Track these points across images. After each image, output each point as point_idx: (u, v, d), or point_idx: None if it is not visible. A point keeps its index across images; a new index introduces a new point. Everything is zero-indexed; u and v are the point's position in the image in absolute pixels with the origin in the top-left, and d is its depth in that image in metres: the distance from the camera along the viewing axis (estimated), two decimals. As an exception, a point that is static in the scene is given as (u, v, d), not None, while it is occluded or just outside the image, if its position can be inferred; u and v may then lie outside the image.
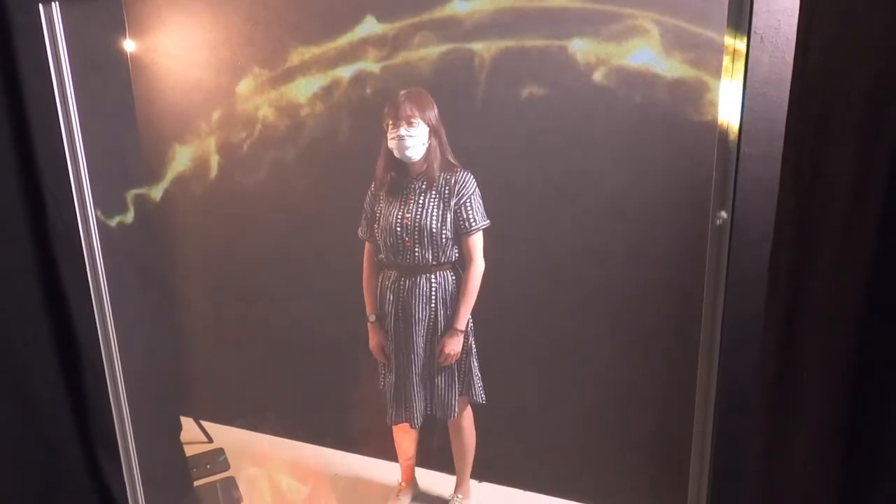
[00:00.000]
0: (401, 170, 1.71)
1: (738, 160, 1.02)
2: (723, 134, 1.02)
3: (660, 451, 1.80)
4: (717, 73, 1.07)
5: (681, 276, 1.64)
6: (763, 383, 1.10)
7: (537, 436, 1.99)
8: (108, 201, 1.72)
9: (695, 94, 1.55)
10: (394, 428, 1.95)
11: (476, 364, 1.80)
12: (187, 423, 2.40)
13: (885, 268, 0.92)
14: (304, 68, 2.00)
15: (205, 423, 2.47)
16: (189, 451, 2.28)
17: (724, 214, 1.07)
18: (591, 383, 1.87)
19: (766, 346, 1.09)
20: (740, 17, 0.97)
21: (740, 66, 0.99)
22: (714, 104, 1.07)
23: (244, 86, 2.11)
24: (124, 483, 1.82)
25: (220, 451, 2.34)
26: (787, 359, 1.07)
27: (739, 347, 1.20)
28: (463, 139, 1.74)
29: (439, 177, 1.68)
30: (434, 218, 1.67)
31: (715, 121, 1.06)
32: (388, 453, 2.14)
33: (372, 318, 1.84)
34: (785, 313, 1.08)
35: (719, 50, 1.05)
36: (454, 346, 1.73)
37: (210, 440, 2.43)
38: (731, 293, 1.14)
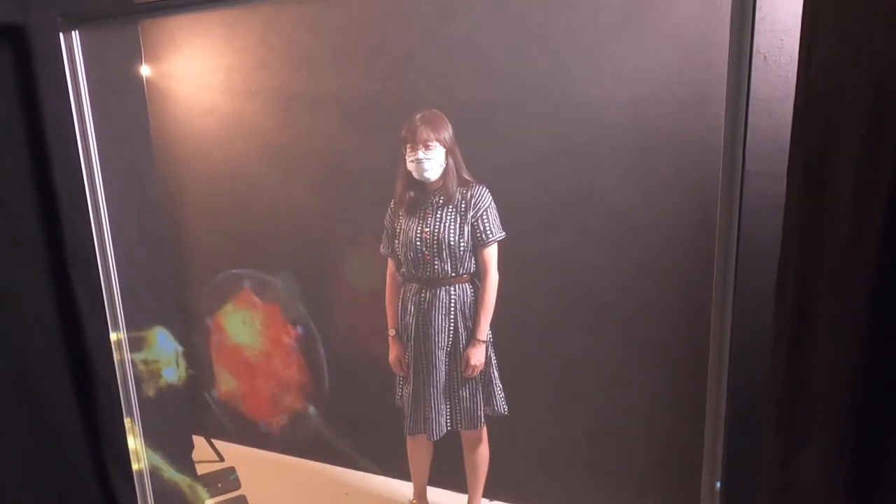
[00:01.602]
0: (419, 188, 1.76)
1: (743, 177, 1.03)
2: (727, 151, 1.04)
3: (671, 465, 1.79)
4: (721, 92, 1.09)
5: (689, 291, 1.64)
6: (772, 396, 1.11)
7: (548, 452, 1.99)
8: (124, 222, 1.75)
9: (700, 113, 1.58)
10: (409, 442, 1.96)
11: (497, 374, 1.83)
12: (198, 442, 2.42)
13: (892, 281, 0.93)
14: (316, 90, 2.04)
15: (216, 442, 2.48)
16: (200, 469, 2.29)
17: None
18: (601, 398, 1.87)
19: (775, 360, 1.10)
20: (742, 36, 1.00)
21: (744, 84, 1.01)
22: (719, 122, 1.09)
23: (257, 107, 2.15)
24: (136, 499, 1.83)
25: (232, 470, 2.35)
26: (795, 372, 1.07)
27: (748, 362, 1.21)
28: (474, 158, 1.78)
29: (456, 192, 1.72)
30: (452, 231, 1.72)
31: (720, 139, 1.08)
32: (400, 472, 2.14)
33: (392, 331, 1.87)
34: (793, 327, 1.08)
35: (723, 69, 1.07)
36: (478, 356, 1.77)
37: (221, 459, 2.44)
38: (738, 308, 1.15)
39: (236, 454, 2.46)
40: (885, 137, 0.90)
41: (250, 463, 2.41)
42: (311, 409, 2.21)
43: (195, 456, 2.31)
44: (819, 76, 1.01)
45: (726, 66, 1.04)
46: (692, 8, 1.57)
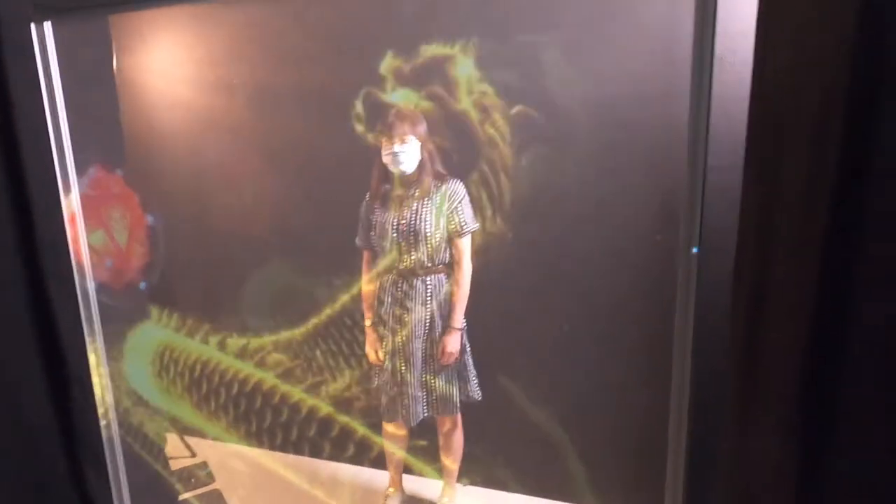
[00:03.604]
0: (395, 181, 1.80)
1: (705, 171, 1.12)
2: (691, 148, 1.13)
3: (638, 447, 1.89)
4: (682, 89, 1.17)
5: (655, 281, 1.74)
6: (731, 373, 1.20)
7: (518, 438, 2.06)
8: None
9: (662, 109, 1.67)
10: (385, 430, 2.01)
11: (470, 361, 1.89)
12: (170, 438, 2.40)
13: (838, 265, 1.03)
14: (295, 84, 2.05)
15: (188, 438, 2.46)
16: (173, 465, 2.28)
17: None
18: (571, 385, 1.95)
19: (734, 341, 1.20)
20: (703, 41, 1.08)
21: (706, 85, 1.09)
22: (681, 119, 1.17)
23: (233, 101, 2.15)
24: (111, 498, 1.82)
25: (204, 465, 2.35)
26: (751, 350, 1.17)
27: (709, 344, 1.30)
28: (448, 151, 1.83)
29: (431, 185, 1.77)
30: (428, 223, 1.77)
31: (681, 134, 1.17)
32: (376, 462, 2.18)
33: (368, 322, 1.91)
34: (749, 309, 1.18)
35: (685, 68, 1.16)
36: (454, 343, 1.82)
37: (193, 454, 2.42)
38: (700, 296, 1.24)
39: (208, 449, 2.45)
40: (831, 134, 1.00)
41: (223, 457, 2.41)
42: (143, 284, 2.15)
43: (167, 452, 2.30)
44: (773, 78, 1.11)
45: (688, 65, 1.13)
46: (656, 9, 1.66)
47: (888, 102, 0.94)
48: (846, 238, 1.02)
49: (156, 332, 2.38)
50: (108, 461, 1.80)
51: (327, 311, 2.18)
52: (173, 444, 2.39)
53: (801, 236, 1.08)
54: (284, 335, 2.32)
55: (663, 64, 1.66)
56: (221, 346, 2.40)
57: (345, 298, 2.10)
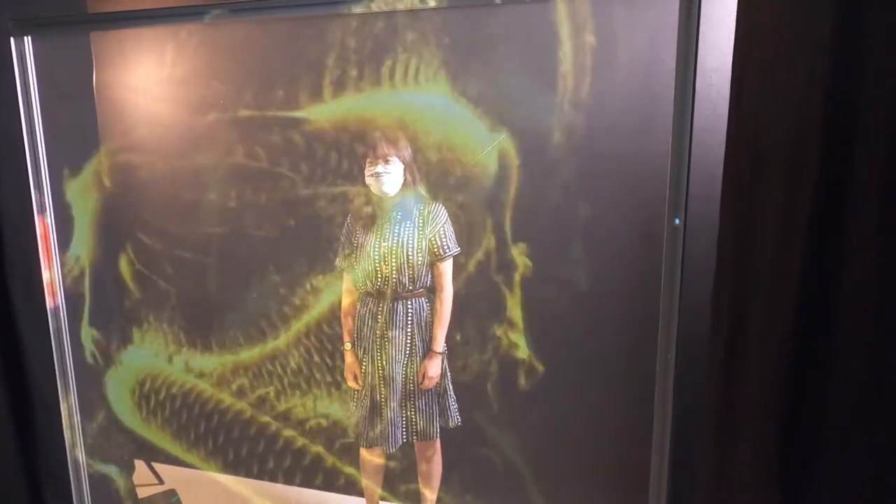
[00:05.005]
0: (377, 203, 1.80)
1: (686, 200, 1.16)
2: (673, 178, 1.16)
3: (621, 471, 1.89)
4: (664, 122, 1.22)
5: (638, 305, 1.76)
6: (710, 400, 1.23)
7: (500, 463, 2.05)
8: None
9: (645, 140, 1.72)
10: (362, 455, 1.97)
11: (451, 386, 1.87)
12: (138, 466, 2.32)
13: (813, 293, 1.07)
14: (286, 107, 2.05)
15: (156, 465, 2.38)
16: (141, 493, 2.20)
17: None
18: (552, 408, 1.95)
19: (713, 366, 1.22)
20: (686, 77, 1.13)
21: (687, 117, 1.13)
22: (663, 149, 1.21)
23: (215, 123, 2.13)
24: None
25: (173, 493, 2.27)
26: (730, 375, 1.19)
27: (691, 368, 1.32)
28: (434, 175, 1.84)
29: (414, 208, 1.78)
30: (410, 246, 1.77)
31: (666, 166, 1.20)
32: (351, 489, 2.13)
33: (348, 345, 1.89)
34: (726, 336, 1.21)
35: (667, 101, 1.20)
36: (434, 368, 1.81)
37: (161, 482, 2.34)
38: (682, 320, 1.26)
39: (176, 476, 2.37)
40: (806, 164, 1.04)
41: (190, 484, 2.33)
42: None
43: (135, 480, 2.22)
44: (748, 113, 1.15)
45: (670, 99, 1.17)
46: (640, 45, 1.72)
47: (860, 132, 0.98)
48: (823, 266, 1.05)
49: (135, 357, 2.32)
50: (74, 488, 1.73)
51: (296, 328, 2.16)
52: (140, 471, 2.31)
53: (779, 264, 1.11)
54: (252, 354, 2.28)
55: (646, 98, 1.71)
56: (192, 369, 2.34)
57: (312, 319, 2.08)
